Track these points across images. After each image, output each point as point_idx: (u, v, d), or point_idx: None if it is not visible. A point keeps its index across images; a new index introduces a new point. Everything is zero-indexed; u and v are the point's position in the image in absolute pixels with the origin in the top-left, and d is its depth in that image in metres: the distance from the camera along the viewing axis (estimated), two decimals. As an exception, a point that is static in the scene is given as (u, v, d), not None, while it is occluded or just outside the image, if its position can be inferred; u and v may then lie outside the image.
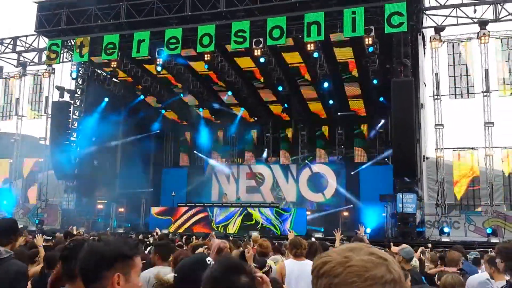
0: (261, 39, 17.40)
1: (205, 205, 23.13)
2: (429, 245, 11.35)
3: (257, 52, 17.75)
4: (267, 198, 25.25)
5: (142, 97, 24.08)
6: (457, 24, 18.90)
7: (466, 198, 19.49)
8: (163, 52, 18.65)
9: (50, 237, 9.75)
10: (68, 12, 19.91)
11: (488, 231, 17.50)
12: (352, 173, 24.23)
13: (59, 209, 23.35)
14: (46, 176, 24.35)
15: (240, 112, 25.61)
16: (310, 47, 17.14)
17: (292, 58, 20.00)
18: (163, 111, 26.01)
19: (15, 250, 4.75)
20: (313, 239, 12.90)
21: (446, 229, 17.97)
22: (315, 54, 17.65)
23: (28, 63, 25.18)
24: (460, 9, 18.52)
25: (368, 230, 19.81)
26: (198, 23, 18.09)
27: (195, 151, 27.68)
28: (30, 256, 5.63)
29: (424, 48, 20.51)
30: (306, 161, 25.68)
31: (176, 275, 2.42)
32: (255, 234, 10.84)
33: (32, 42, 24.15)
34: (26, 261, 5.41)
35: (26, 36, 24.29)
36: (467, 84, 19.55)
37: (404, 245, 5.99)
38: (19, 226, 4.18)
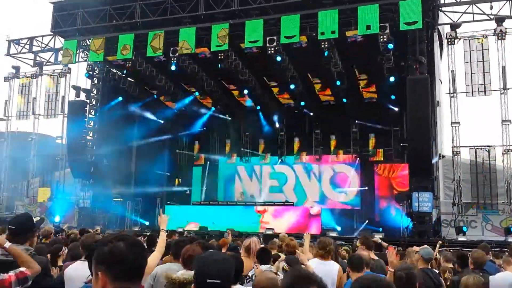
0: (275, 38, 17.36)
1: (219, 203, 23.26)
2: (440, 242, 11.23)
3: (271, 50, 17.72)
4: (290, 198, 25.00)
5: (155, 96, 24.27)
6: (473, 21, 18.62)
7: (483, 197, 19.23)
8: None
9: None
10: (84, 12, 20.11)
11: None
12: (367, 171, 24.08)
13: (75, 207, 23.62)
14: (62, 175, 24.65)
15: (255, 111, 25.57)
16: (324, 45, 17.05)
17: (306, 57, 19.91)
18: (175, 110, 26.14)
19: (36, 246, 4.84)
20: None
21: (464, 228, 17.74)
22: (326, 53, 17.58)
23: (44, 63, 25.49)
24: (476, 5, 18.24)
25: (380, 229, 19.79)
26: (212, 22, 18.14)
27: (210, 150, 27.80)
28: (53, 252, 5.72)
29: (441, 46, 20.26)
30: (320, 159, 25.59)
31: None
32: (281, 234, 10.79)
33: (48, 42, 24.44)
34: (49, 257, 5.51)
35: (42, 36, 24.57)
36: (484, 81, 19.26)
37: (425, 246, 5.98)
38: (36, 219, 4.20)
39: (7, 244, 3.38)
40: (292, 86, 21.39)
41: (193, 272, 4.01)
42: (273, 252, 6.96)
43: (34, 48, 25.01)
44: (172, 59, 19.08)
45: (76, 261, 4.65)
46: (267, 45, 17.47)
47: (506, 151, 18.90)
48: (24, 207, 25.37)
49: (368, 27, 15.84)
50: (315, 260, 5.43)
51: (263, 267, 4.93)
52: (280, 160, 26.34)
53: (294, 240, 6.19)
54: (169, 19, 18.84)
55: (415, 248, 6.00)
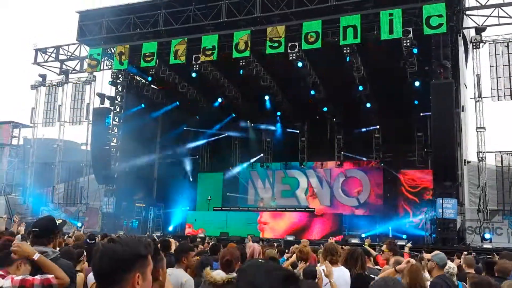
0: (297, 44, 17.40)
1: (241, 209, 23.31)
2: (465, 253, 11.01)
3: (292, 56, 17.75)
4: (302, 202, 25.17)
5: (177, 103, 24.53)
6: (499, 24, 18.32)
7: (510, 203, 18.81)
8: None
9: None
10: (108, 21, 20.52)
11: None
12: (389, 177, 23.84)
13: (99, 212, 23.95)
14: (87, 180, 25.05)
15: (277, 117, 25.63)
16: (346, 50, 17.01)
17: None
18: (198, 116, 26.36)
19: (63, 249, 4.90)
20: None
21: (487, 235, 17.39)
22: (347, 58, 17.53)
23: (70, 71, 26.02)
24: (501, 8, 17.96)
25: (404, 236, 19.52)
26: (234, 29, 18.28)
27: (230, 156, 27.91)
28: (76, 256, 5.81)
29: (466, 50, 19.98)
30: (341, 165, 25.47)
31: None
32: (303, 240, 10.80)
33: (74, 51, 24.95)
34: (74, 260, 5.59)
35: (68, 45, 25.11)
36: (510, 85, 18.90)
37: (437, 251, 5.82)
38: (59, 221, 4.25)
39: (36, 256, 3.41)
40: (312, 92, 21.38)
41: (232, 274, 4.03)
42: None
43: (60, 57, 25.56)
44: (194, 66, 19.28)
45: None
46: (289, 51, 17.52)
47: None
48: (49, 213, 25.82)
49: (391, 32, 15.74)
50: (324, 267, 5.37)
51: None
52: (302, 166, 26.31)
53: (308, 246, 6.12)
54: (192, 27, 19.07)
55: (427, 255, 5.86)
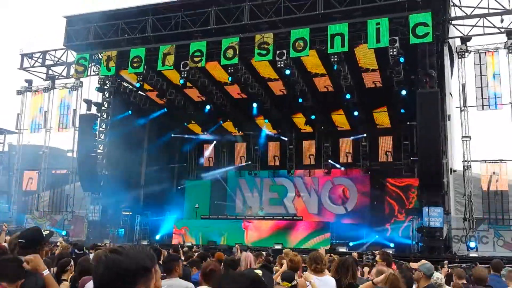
0: (285, 51, 17.47)
1: (228, 218, 23.17)
2: (445, 262, 11.04)
3: (281, 64, 17.81)
4: (290, 210, 25.17)
5: (165, 109, 24.43)
6: (484, 34, 18.61)
7: (495, 212, 18.95)
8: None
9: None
10: (96, 26, 20.42)
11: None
12: (376, 185, 23.92)
13: (85, 220, 23.66)
14: (73, 188, 24.76)
15: (264, 125, 25.65)
16: (334, 58, 17.11)
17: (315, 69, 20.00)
18: (185, 123, 26.28)
19: (44, 260, 4.80)
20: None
21: (472, 244, 17.49)
22: (335, 66, 17.63)
23: (56, 76, 25.81)
24: (486, 18, 18.24)
25: (392, 245, 19.58)
26: (222, 36, 18.31)
27: (218, 163, 27.79)
28: (62, 265, 5.71)
29: (451, 59, 20.22)
30: (328, 173, 25.52)
31: None
32: (285, 248, 10.74)
33: (61, 56, 24.80)
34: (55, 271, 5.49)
35: (55, 50, 24.96)
36: (495, 95, 19.13)
37: (424, 261, 5.80)
38: (46, 233, 4.19)
39: (46, 272, 3.36)
40: (300, 100, 21.48)
41: None
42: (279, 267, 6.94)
43: (47, 62, 25.38)
44: (183, 72, 19.23)
45: (89, 275, 4.65)
46: (277, 58, 17.57)
47: (518, 165, 18.69)
48: (34, 220, 25.46)
49: (378, 40, 15.88)
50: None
51: None
52: (290, 174, 26.33)
53: (298, 255, 6.07)
54: (180, 33, 19.07)
55: (413, 264, 5.84)
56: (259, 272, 2.32)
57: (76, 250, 9.67)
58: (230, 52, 17.97)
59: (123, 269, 1.69)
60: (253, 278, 1.77)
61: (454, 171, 19.82)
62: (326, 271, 5.46)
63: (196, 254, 9.85)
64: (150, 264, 1.77)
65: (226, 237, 20.66)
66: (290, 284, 4.74)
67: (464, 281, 6.72)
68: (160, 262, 5.84)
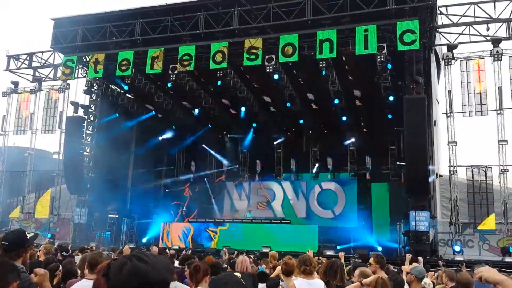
0: (274, 56, 17.53)
1: (216, 221, 23.14)
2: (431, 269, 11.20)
3: (269, 69, 17.87)
4: (278, 214, 25.26)
5: (153, 112, 24.34)
6: (470, 42, 18.88)
7: (480, 217, 19.22)
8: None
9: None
10: (84, 29, 20.27)
11: (510, 250, 17.07)
12: (363, 190, 24.08)
13: (71, 223, 23.45)
14: (58, 190, 24.54)
15: (252, 128, 25.70)
16: (322, 64, 17.21)
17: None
18: (174, 126, 26.22)
19: (32, 262, 4.78)
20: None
21: (457, 248, 17.72)
22: (323, 72, 17.74)
23: (43, 78, 25.55)
24: (473, 26, 18.51)
25: (380, 249, 19.73)
26: (211, 41, 18.31)
27: (206, 166, 27.75)
28: (51, 270, 5.67)
29: (438, 66, 20.48)
30: (317, 177, 25.64)
31: None
32: (271, 251, 10.75)
33: (48, 58, 24.53)
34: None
35: (42, 52, 24.68)
36: (481, 101, 19.44)
37: (415, 264, 5.91)
38: (30, 235, 4.15)
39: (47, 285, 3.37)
40: (288, 105, 21.58)
41: None
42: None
43: (34, 64, 25.08)
44: (171, 76, 19.18)
45: (74, 278, 4.63)
46: (266, 63, 17.62)
47: (503, 171, 18.99)
48: (19, 223, 25.18)
49: (366, 47, 16.02)
50: (299, 279, 5.30)
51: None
52: (278, 178, 26.40)
53: (293, 259, 6.11)
54: (169, 37, 19.01)
55: (405, 268, 5.94)
56: (238, 275, 2.37)
57: (64, 253, 9.60)
58: (219, 56, 17.98)
59: (148, 279, 1.66)
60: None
61: (441, 176, 20.09)
62: (315, 273, 5.46)
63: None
64: (170, 279, 1.77)
65: (216, 241, 20.68)
66: None
67: (454, 284, 6.81)
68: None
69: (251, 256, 11.67)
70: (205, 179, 27.65)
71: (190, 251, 15.92)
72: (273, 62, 17.62)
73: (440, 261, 12.32)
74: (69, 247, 10.16)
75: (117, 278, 1.69)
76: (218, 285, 2.19)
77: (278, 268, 6.29)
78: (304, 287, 5.11)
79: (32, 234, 4.36)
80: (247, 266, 6.50)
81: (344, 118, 22.40)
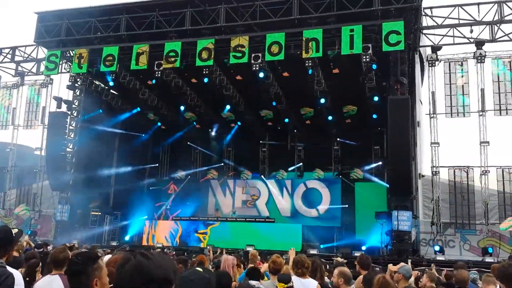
0: (260, 55, 17.51)
1: (200, 219, 23.07)
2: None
3: (256, 67, 17.85)
4: (263, 212, 25.29)
5: (138, 109, 24.13)
6: (454, 44, 19.10)
7: (462, 217, 19.49)
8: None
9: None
10: (68, 23, 20.02)
11: (489, 250, 17.38)
12: (347, 189, 24.22)
13: (52, 220, 23.15)
14: (40, 187, 24.21)
15: (236, 126, 25.66)
16: (308, 63, 17.24)
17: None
18: (159, 123, 26.05)
19: (15, 259, 4.72)
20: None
21: (436, 248, 17.94)
22: (310, 71, 17.77)
23: (26, 73, 25.18)
24: (457, 29, 18.74)
25: (363, 248, 19.90)
26: (198, 37, 18.23)
27: (191, 165, 27.62)
28: (31, 267, 5.60)
29: (422, 67, 20.68)
30: (301, 176, 25.71)
31: None
32: (252, 250, 10.77)
33: (31, 53, 24.17)
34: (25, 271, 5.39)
35: (25, 46, 24.31)
36: (463, 103, 19.70)
37: (402, 263, 5.98)
38: (15, 231, 4.09)
39: None
40: (274, 103, 21.59)
41: None
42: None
43: (16, 58, 24.70)
44: (156, 72, 19.04)
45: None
46: (252, 61, 17.60)
47: (484, 172, 19.27)
48: (0, 220, 24.80)
49: (352, 47, 16.10)
50: (294, 278, 5.42)
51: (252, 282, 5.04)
52: (262, 176, 26.40)
53: (281, 257, 6.15)
54: (155, 33, 18.88)
55: (393, 267, 6.00)
56: (199, 269, 2.37)
57: (46, 249, 9.50)
58: (205, 54, 17.91)
59: (151, 276, 1.67)
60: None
61: (423, 176, 20.30)
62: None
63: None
64: (173, 278, 1.76)
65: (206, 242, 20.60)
66: (286, 285, 4.84)
67: (434, 285, 6.89)
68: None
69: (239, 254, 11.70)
70: (189, 177, 27.53)
71: (174, 251, 15.85)
72: (259, 61, 17.61)
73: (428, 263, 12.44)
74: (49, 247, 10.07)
75: (120, 273, 1.71)
76: (185, 282, 2.17)
77: (265, 266, 6.32)
78: (297, 286, 5.19)
79: (17, 230, 4.30)
80: (228, 265, 6.52)
81: (330, 117, 22.49)
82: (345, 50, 16.32)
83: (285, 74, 19.12)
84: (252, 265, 7.76)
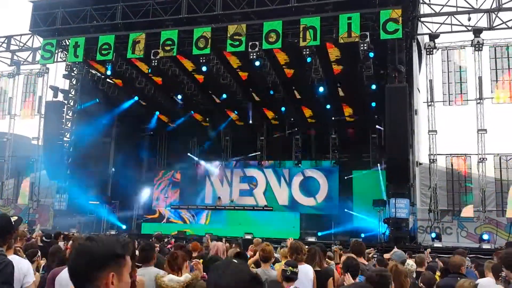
0: (257, 43, 17.41)
1: (199, 208, 23.16)
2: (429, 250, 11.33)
3: (253, 55, 17.75)
4: (260, 201, 25.34)
5: (136, 98, 24.03)
6: (452, 32, 19.04)
7: (459, 204, 19.61)
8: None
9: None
10: (64, 12, 19.83)
11: (484, 236, 17.53)
12: (345, 177, 24.28)
13: (50, 209, 23.18)
14: (38, 176, 24.20)
15: (233, 114, 25.61)
16: (306, 51, 17.15)
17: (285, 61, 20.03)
18: (157, 112, 25.98)
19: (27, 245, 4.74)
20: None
21: (433, 235, 18.07)
22: (308, 59, 17.68)
23: (22, 62, 25.03)
24: (454, 16, 18.66)
25: (362, 235, 20.00)
26: (194, 26, 18.09)
27: (188, 154, 27.60)
28: (29, 256, 5.63)
29: (420, 55, 20.61)
30: (299, 165, 25.74)
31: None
32: (256, 238, 10.87)
33: (27, 42, 24.01)
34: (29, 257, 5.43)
35: (21, 35, 24.14)
36: (461, 91, 19.68)
37: (395, 249, 6.03)
38: (14, 218, 4.10)
39: None
40: (271, 92, 21.54)
41: (179, 278, 4.01)
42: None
43: (12, 47, 24.54)
44: (153, 61, 18.92)
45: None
46: (249, 50, 17.49)
47: (481, 159, 19.33)
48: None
49: (349, 35, 16.01)
50: None
51: None
52: (260, 165, 26.43)
53: (270, 245, 6.20)
54: (151, 21, 18.72)
55: (386, 255, 6.05)
56: (234, 261, 2.33)
57: (44, 238, 9.54)
58: (202, 42, 17.78)
59: (93, 254, 1.75)
60: (252, 276, 1.82)
61: (420, 164, 20.36)
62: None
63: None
64: (121, 251, 1.81)
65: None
66: (293, 269, 4.93)
67: (423, 269, 6.95)
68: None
69: (239, 241, 11.80)
70: (187, 166, 27.51)
71: (172, 238, 15.92)
72: (256, 49, 17.50)
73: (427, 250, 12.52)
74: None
75: (69, 260, 1.83)
76: (217, 275, 2.09)
77: (257, 255, 6.38)
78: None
79: (16, 218, 4.32)
80: (219, 251, 6.59)
81: (328, 106, 22.46)
82: (342, 38, 16.23)
83: (289, 72, 19.13)
84: (252, 252, 7.83)
